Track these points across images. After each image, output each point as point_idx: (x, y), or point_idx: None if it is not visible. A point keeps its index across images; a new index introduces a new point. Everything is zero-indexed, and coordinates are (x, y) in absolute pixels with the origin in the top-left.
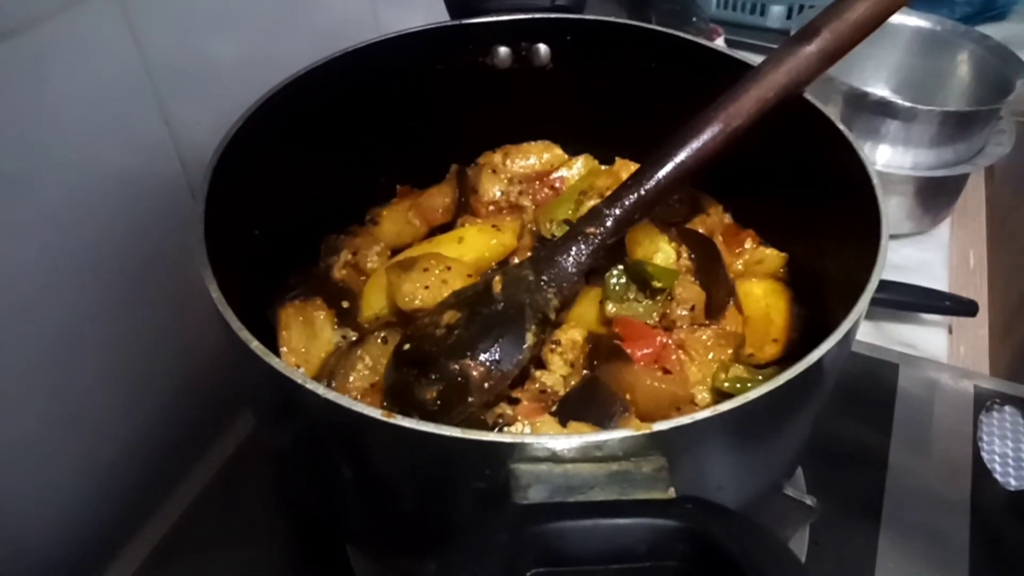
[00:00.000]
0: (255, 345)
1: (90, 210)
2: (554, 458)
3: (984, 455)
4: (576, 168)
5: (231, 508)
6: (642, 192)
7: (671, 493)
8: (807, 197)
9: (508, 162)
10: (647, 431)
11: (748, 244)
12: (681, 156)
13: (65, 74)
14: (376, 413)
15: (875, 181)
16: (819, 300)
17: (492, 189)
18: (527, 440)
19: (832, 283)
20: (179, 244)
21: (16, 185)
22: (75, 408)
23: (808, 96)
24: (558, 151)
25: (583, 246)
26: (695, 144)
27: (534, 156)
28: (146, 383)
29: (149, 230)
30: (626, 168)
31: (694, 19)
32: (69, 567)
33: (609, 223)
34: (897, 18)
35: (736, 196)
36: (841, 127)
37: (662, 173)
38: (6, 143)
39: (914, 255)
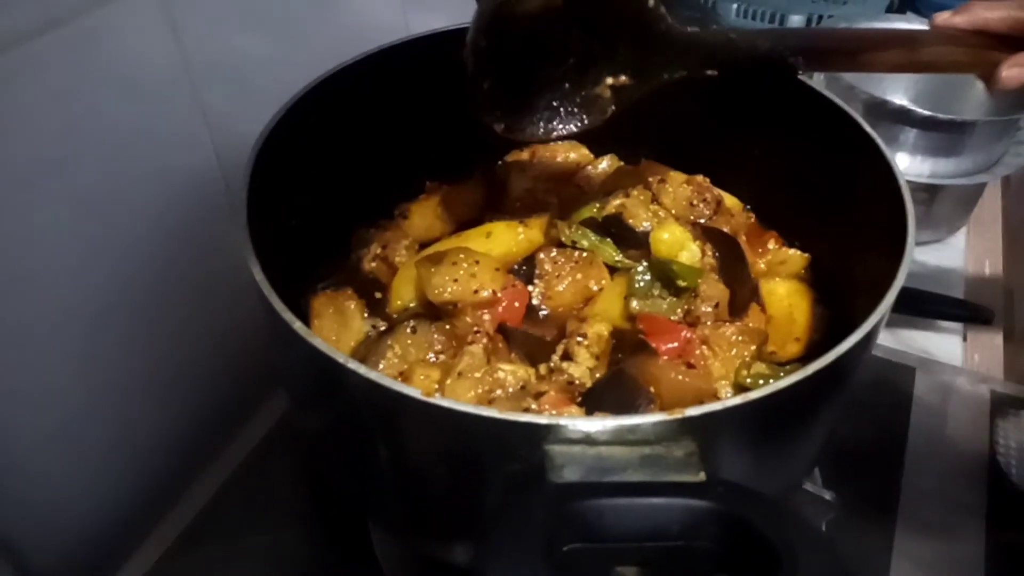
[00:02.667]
0: (298, 326)
1: (125, 197)
2: (588, 440)
3: (1000, 459)
4: (601, 167)
5: (258, 493)
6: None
7: (702, 477)
8: (832, 199)
9: (535, 160)
10: (679, 416)
11: (771, 244)
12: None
13: (107, 64)
14: (416, 393)
15: (902, 182)
16: (841, 301)
17: (520, 186)
18: (562, 422)
19: (855, 284)
20: (211, 233)
21: (56, 171)
22: (104, 392)
23: (835, 99)
24: (584, 151)
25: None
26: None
27: (560, 155)
28: (174, 369)
29: (182, 219)
30: (651, 169)
31: (713, 27)
32: (98, 550)
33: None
34: (918, 27)
35: (761, 196)
36: (868, 129)
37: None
38: (49, 130)
39: (930, 262)
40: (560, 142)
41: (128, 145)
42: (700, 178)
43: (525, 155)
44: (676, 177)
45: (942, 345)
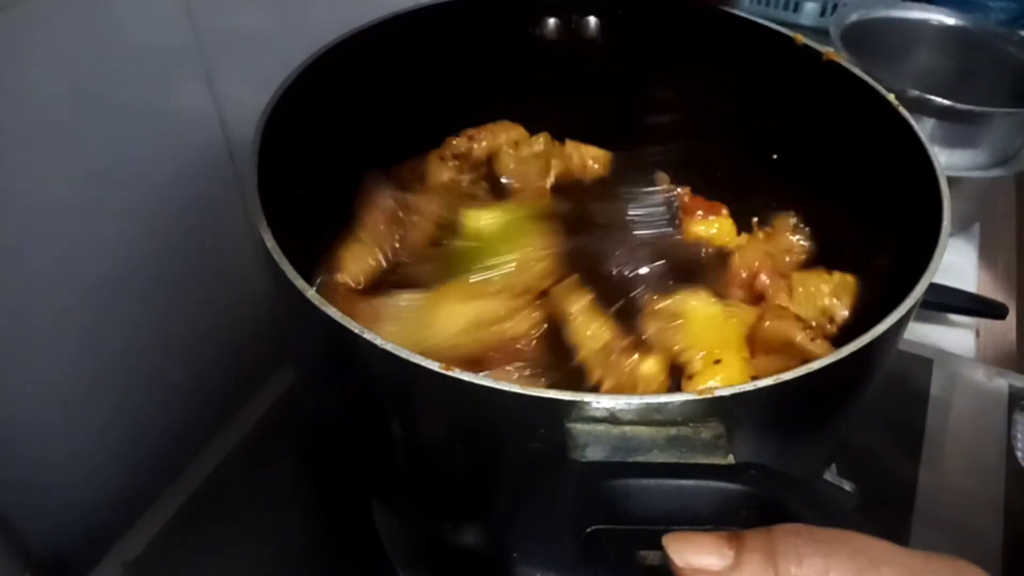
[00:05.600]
0: (311, 294)
1: (129, 165)
2: (612, 419)
3: (1018, 454)
4: (537, 148)
5: (260, 472)
6: None
7: (730, 459)
8: (860, 179)
9: (475, 145)
10: (708, 396)
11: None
12: None
13: (114, 27)
14: (434, 365)
15: (936, 164)
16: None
17: (441, 177)
18: (586, 399)
19: (883, 270)
20: (215, 206)
21: (63, 134)
22: (104, 364)
23: (867, 78)
24: (520, 130)
25: None
26: None
27: (503, 135)
28: (177, 344)
29: (187, 188)
30: (576, 150)
31: None
32: (95, 526)
33: None
34: (935, 17)
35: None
36: (903, 112)
37: None
38: (55, 93)
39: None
40: (495, 123)
41: (134, 112)
42: None
43: (461, 140)
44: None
45: (954, 339)
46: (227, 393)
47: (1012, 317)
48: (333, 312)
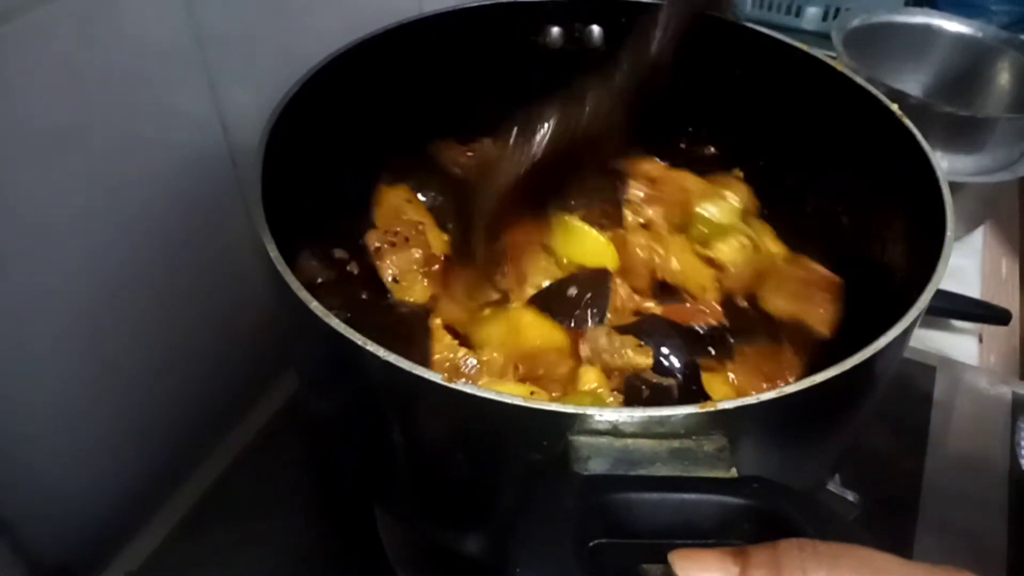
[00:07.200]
0: (315, 306)
1: (132, 170)
2: (615, 432)
3: (1022, 460)
4: None
5: (263, 478)
6: None
7: (733, 473)
8: (864, 194)
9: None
10: (711, 408)
11: None
12: None
13: (118, 34)
14: (436, 377)
15: (939, 173)
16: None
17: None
18: (589, 411)
19: (886, 280)
20: (217, 211)
21: (65, 140)
22: (108, 370)
23: (870, 88)
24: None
25: None
26: None
27: None
28: (180, 350)
29: (189, 194)
30: None
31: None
32: (99, 533)
33: None
34: (937, 22)
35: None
36: (907, 123)
37: None
38: (60, 99)
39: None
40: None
41: (136, 117)
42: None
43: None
44: None
45: (957, 345)
46: (230, 400)
47: (1016, 322)
48: (336, 323)
